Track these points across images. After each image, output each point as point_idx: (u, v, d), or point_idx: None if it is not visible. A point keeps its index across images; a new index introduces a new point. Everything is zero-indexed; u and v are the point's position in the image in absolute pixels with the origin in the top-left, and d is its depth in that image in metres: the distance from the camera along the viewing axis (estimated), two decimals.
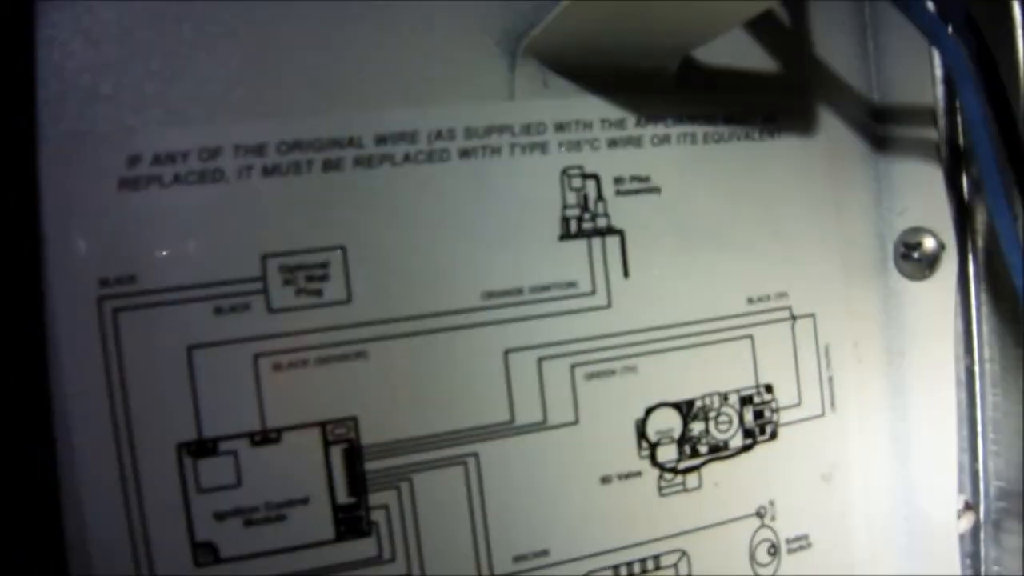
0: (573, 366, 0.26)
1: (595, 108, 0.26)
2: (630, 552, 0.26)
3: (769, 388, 0.28)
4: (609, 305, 0.26)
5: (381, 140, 0.24)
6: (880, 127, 0.30)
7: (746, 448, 0.28)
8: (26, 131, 0.21)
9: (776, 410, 0.28)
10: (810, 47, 0.29)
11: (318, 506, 0.23)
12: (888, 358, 0.30)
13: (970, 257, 0.29)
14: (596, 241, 0.26)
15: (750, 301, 0.28)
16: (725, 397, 0.27)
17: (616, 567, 0.26)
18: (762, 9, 0.25)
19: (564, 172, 0.26)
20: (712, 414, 0.27)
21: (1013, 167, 0.26)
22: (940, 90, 0.29)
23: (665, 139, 0.27)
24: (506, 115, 0.25)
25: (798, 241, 0.28)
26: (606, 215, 0.26)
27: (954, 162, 0.29)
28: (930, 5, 0.26)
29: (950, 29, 0.26)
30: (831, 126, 0.29)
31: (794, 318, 0.28)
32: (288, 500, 0.23)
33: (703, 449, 0.27)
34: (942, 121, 0.29)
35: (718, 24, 0.25)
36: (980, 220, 0.29)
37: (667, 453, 0.27)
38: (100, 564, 0.22)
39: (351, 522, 0.24)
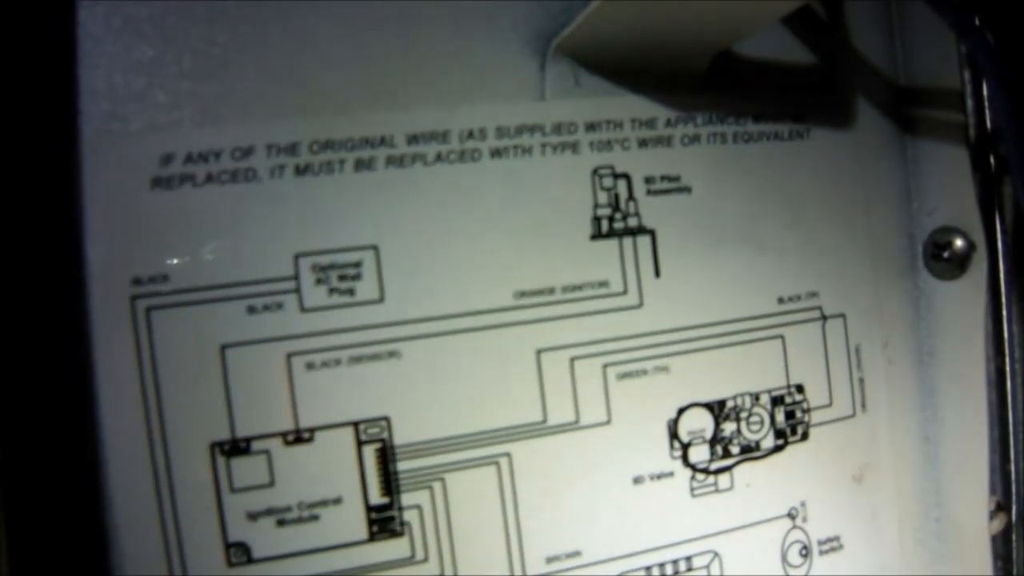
0: (605, 366, 0.26)
1: (625, 108, 0.26)
2: (662, 553, 0.26)
3: (800, 388, 0.28)
4: (640, 305, 0.26)
5: (413, 140, 0.24)
6: (909, 126, 0.30)
7: (777, 449, 0.28)
8: (66, 132, 0.22)
9: (807, 411, 0.28)
10: (838, 46, 0.29)
11: (351, 506, 0.23)
12: (918, 358, 0.30)
13: (1000, 257, 0.29)
14: (627, 241, 0.26)
15: (780, 301, 0.28)
16: (756, 397, 0.27)
17: (648, 568, 0.26)
18: (792, 8, 0.25)
19: (595, 172, 0.26)
20: (744, 414, 0.27)
21: None
22: (969, 88, 0.29)
23: (695, 139, 0.27)
24: (537, 115, 0.25)
25: (828, 241, 0.28)
26: (637, 215, 0.26)
27: (984, 161, 0.29)
28: None
29: (977, 21, 0.26)
30: (860, 126, 0.29)
31: (824, 318, 0.28)
32: (321, 500, 0.23)
33: (735, 449, 0.27)
34: (971, 119, 0.29)
35: (747, 24, 0.25)
36: (1010, 219, 0.29)
37: (699, 453, 0.27)
38: (132, 563, 0.22)
39: (384, 522, 0.24)
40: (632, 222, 0.26)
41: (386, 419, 0.24)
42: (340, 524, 0.23)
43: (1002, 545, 0.30)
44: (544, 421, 0.25)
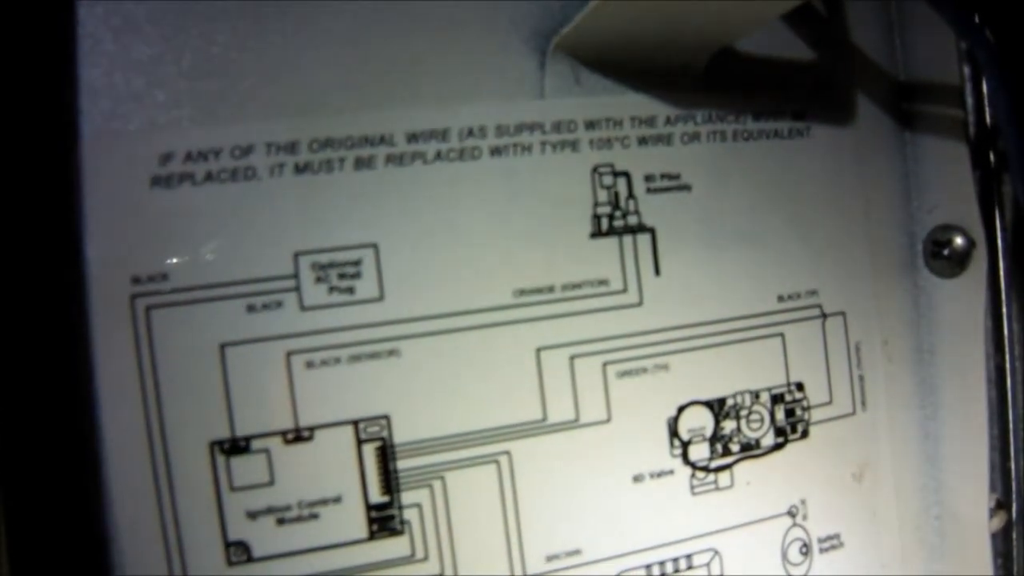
0: (605, 364, 0.26)
1: (625, 106, 0.26)
2: (662, 551, 0.26)
3: (800, 386, 0.28)
4: (640, 303, 0.26)
5: (412, 138, 0.24)
6: (909, 123, 0.30)
7: (778, 447, 0.28)
8: (65, 131, 0.22)
9: (807, 408, 0.28)
10: (838, 44, 0.29)
11: (351, 505, 0.23)
12: (918, 356, 0.30)
13: (1000, 255, 0.29)
14: (627, 239, 0.26)
15: (780, 299, 0.28)
16: (756, 395, 0.27)
17: (648, 566, 0.26)
18: (792, 6, 0.25)
19: (595, 170, 0.26)
20: (744, 412, 0.27)
21: None
22: (969, 85, 0.29)
23: (695, 137, 0.27)
24: (537, 113, 0.25)
25: (828, 239, 0.28)
26: (637, 213, 0.26)
27: (984, 158, 0.29)
28: None
29: (976, 19, 0.26)
30: (860, 123, 0.29)
31: (824, 316, 0.28)
32: (321, 499, 0.23)
33: (735, 447, 0.27)
34: (971, 116, 0.29)
35: (747, 21, 0.25)
36: (1010, 217, 0.29)
37: (699, 451, 0.27)
38: (132, 562, 0.22)
39: (384, 521, 0.24)
40: (632, 220, 0.26)
41: (386, 417, 0.24)
42: (340, 523, 0.23)
43: (1002, 543, 0.30)
44: (544, 419, 0.25)
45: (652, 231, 0.26)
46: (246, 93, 0.23)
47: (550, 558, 0.25)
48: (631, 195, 0.26)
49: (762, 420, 0.27)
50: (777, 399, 0.28)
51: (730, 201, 0.27)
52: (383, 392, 0.24)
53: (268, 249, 0.23)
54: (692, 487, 0.27)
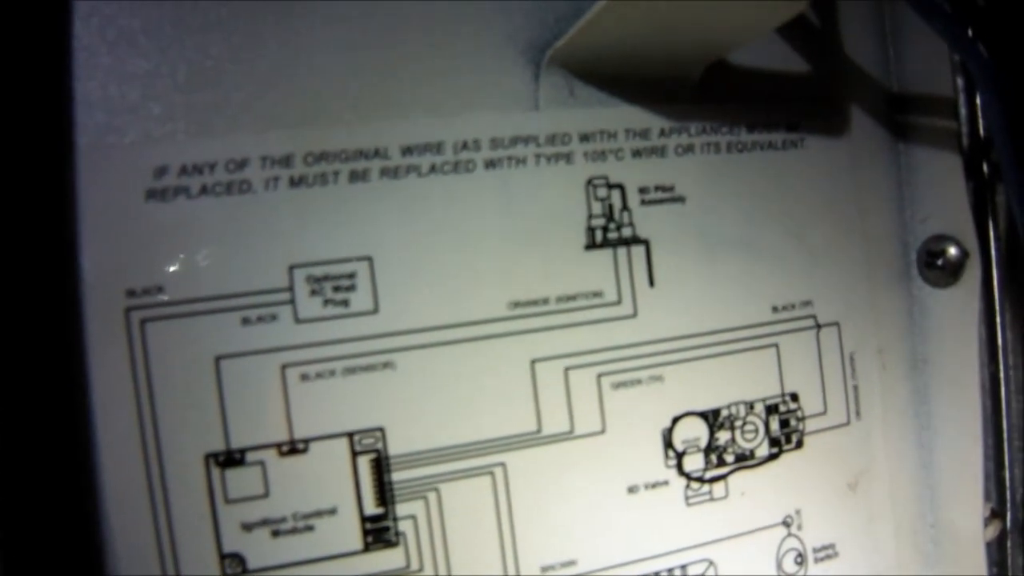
0: (600, 375, 0.26)
1: (619, 118, 0.26)
2: (657, 562, 0.26)
3: (795, 397, 0.28)
4: (635, 314, 0.26)
5: (407, 151, 0.24)
6: (902, 134, 0.30)
7: (772, 457, 0.28)
8: (61, 142, 0.22)
9: (802, 419, 0.28)
10: (832, 56, 0.29)
11: (346, 517, 0.23)
12: (913, 365, 0.30)
13: (994, 264, 0.29)
14: (621, 251, 0.26)
15: (775, 310, 0.28)
16: (751, 406, 0.27)
17: None
18: (787, 17, 0.25)
19: (589, 182, 0.26)
20: (738, 423, 0.27)
21: None
22: (962, 96, 0.29)
23: (689, 148, 0.27)
24: (531, 125, 0.25)
25: (822, 249, 0.28)
26: (631, 225, 0.26)
27: (977, 169, 0.29)
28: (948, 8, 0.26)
29: (970, 32, 0.26)
30: (853, 135, 0.29)
31: (819, 326, 0.28)
32: (316, 511, 0.23)
33: (729, 458, 0.27)
34: (965, 127, 0.29)
35: (742, 33, 0.25)
36: (1004, 227, 0.29)
37: (693, 462, 0.27)
38: (127, 574, 0.22)
39: (379, 533, 0.24)
40: (626, 232, 0.26)
41: (381, 430, 0.24)
42: (335, 534, 0.23)
43: (997, 552, 0.30)
44: (539, 431, 0.25)
45: (646, 243, 0.26)
46: (241, 106, 0.23)
47: (545, 569, 0.25)
48: (625, 207, 0.26)
49: (757, 430, 0.27)
50: (772, 409, 0.28)
51: (724, 212, 0.27)
52: (378, 404, 0.24)
53: (263, 262, 0.23)
54: (687, 498, 0.27)
